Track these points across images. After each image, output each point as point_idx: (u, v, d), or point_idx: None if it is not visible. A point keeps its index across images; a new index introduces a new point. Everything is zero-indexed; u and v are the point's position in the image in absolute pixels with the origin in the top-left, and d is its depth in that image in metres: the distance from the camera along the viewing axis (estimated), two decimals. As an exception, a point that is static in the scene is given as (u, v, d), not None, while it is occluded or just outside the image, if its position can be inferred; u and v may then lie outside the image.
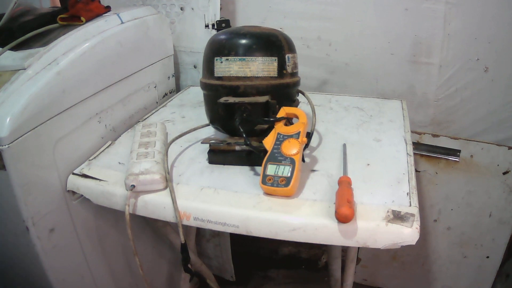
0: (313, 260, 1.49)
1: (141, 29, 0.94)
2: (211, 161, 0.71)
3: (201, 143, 0.76)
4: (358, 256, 1.29)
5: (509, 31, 0.97)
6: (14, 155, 0.61)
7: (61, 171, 0.70)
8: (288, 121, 0.68)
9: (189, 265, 0.66)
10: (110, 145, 0.80)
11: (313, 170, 0.67)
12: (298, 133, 0.63)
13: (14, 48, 0.73)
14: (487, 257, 1.17)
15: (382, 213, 0.55)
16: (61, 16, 0.81)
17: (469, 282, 1.23)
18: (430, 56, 1.05)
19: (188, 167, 0.70)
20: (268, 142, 0.64)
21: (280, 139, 0.63)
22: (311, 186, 0.63)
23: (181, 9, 1.13)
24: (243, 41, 0.67)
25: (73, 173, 0.71)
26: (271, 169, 0.60)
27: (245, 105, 0.65)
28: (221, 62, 0.68)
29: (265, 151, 0.63)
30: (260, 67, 0.67)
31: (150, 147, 0.70)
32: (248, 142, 0.63)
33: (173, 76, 1.11)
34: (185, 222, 0.60)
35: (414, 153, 0.74)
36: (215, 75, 0.69)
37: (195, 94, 1.09)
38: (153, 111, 0.97)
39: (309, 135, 0.67)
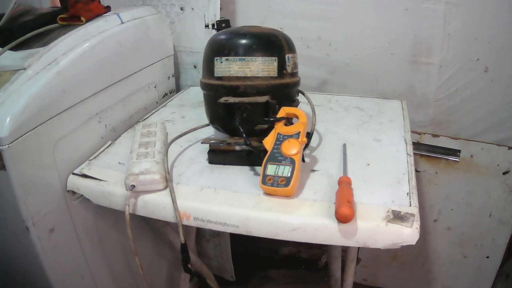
0: (313, 260, 1.49)
1: (141, 29, 0.94)
2: (211, 161, 0.71)
3: (201, 143, 0.76)
4: (358, 256, 1.29)
5: (509, 31, 0.97)
6: (14, 155, 0.61)
7: (61, 171, 0.70)
8: (288, 121, 0.68)
9: (189, 265, 0.66)
10: (110, 145, 0.80)
11: (313, 170, 0.67)
12: (298, 133, 0.63)
13: (14, 48, 0.73)
14: (487, 257, 1.17)
15: (382, 213, 0.55)
16: (61, 16, 0.81)
17: (469, 282, 1.23)
18: (430, 56, 1.05)
19: (188, 167, 0.70)
20: (268, 142, 0.64)
21: (280, 139, 0.63)
22: (311, 186, 0.63)
23: (181, 9, 1.13)
24: (243, 41, 0.67)
25: (73, 173, 0.71)
26: (271, 169, 0.60)
27: (245, 105, 0.65)
28: (221, 62, 0.68)
29: (265, 151, 0.63)
30: (260, 67, 0.67)
31: (150, 147, 0.70)
32: (248, 142, 0.63)
33: (173, 76, 1.11)
34: (185, 222, 0.60)
35: (414, 153, 0.74)
36: (215, 75, 0.69)
37: (195, 94, 1.09)
38: (153, 111, 0.97)
39: (309, 135, 0.67)
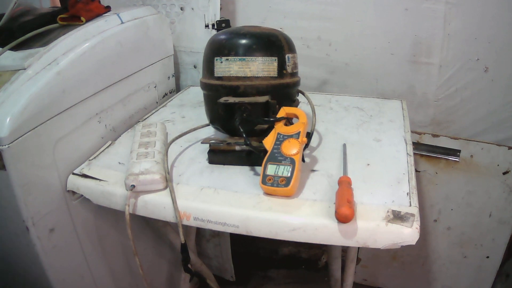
0: (313, 260, 1.49)
1: (141, 29, 0.94)
2: (211, 161, 0.71)
3: (201, 143, 0.76)
4: (358, 256, 1.29)
5: (509, 31, 0.97)
6: (14, 155, 0.61)
7: (61, 171, 0.70)
8: (288, 121, 0.68)
9: (189, 265, 0.66)
10: (110, 145, 0.80)
11: (313, 170, 0.67)
12: (298, 133, 0.63)
13: (14, 48, 0.73)
14: (487, 257, 1.17)
15: (382, 213, 0.55)
16: (61, 16, 0.81)
17: (469, 282, 1.23)
18: (430, 56, 1.05)
19: (188, 167, 0.70)
20: (268, 142, 0.64)
21: (280, 139, 0.63)
22: (311, 186, 0.63)
23: (181, 9, 1.13)
24: (243, 41, 0.67)
25: (73, 173, 0.71)
26: (271, 169, 0.60)
27: (245, 105, 0.65)
28: (221, 62, 0.68)
29: (265, 151, 0.63)
30: (260, 67, 0.67)
31: (150, 147, 0.70)
32: (248, 142, 0.63)
33: (173, 76, 1.11)
34: (185, 222, 0.60)
35: (414, 153, 0.74)
36: (215, 75, 0.69)
37: (195, 94, 1.09)
38: (153, 111, 0.97)
39: (309, 135, 0.67)
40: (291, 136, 0.63)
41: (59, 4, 1.06)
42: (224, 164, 0.70)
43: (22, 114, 0.62)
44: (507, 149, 1.05)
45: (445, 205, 1.16)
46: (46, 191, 0.68)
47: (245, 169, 0.69)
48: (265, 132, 0.66)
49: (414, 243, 0.53)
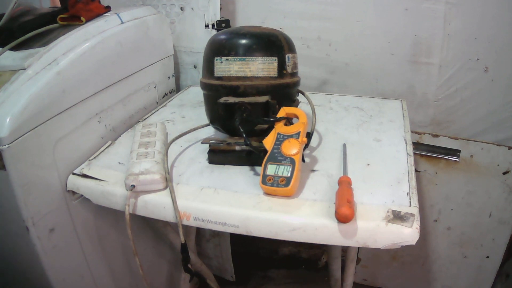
0: (313, 260, 1.49)
1: (141, 29, 0.94)
2: (211, 161, 0.71)
3: (201, 143, 0.76)
4: (358, 256, 1.29)
5: (509, 31, 0.97)
6: (14, 155, 0.61)
7: (61, 171, 0.70)
8: (288, 121, 0.68)
9: (189, 265, 0.66)
10: (110, 145, 0.80)
11: (313, 170, 0.67)
12: (298, 133, 0.63)
13: (14, 48, 0.73)
14: (487, 257, 1.17)
15: (382, 213, 0.55)
16: (61, 16, 0.81)
17: (469, 282, 1.23)
18: (430, 56, 1.05)
19: (188, 167, 0.70)
20: (268, 142, 0.64)
21: (280, 139, 0.63)
22: (311, 186, 0.63)
23: (181, 9, 1.13)
24: (243, 41, 0.67)
25: (73, 173, 0.71)
26: (271, 169, 0.60)
27: (245, 105, 0.65)
28: (221, 62, 0.68)
29: (265, 151, 0.63)
30: (260, 67, 0.67)
31: (150, 147, 0.70)
32: (248, 142, 0.63)
33: (173, 76, 1.11)
34: (185, 222, 0.60)
35: (414, 153, 0.74)
36: (215, 75, 0.69)
37: (195, 94, 1.09)
38: (153, 111, 0.97)
39: (309, 135, 0.67)
40: (291, 136, 0.63)
41: (59, 4, 1.06)
42: (224, 164, 0.70)
43: (22, 114, 0.62)
44: (507, 149, 1.05)
45: (445, 205, 1.16)
46: (46, 191, 0.68)
47: (245, 169, 0.69)
48: (265, 132, 0.66)
49: (414, 243, 0.53)
